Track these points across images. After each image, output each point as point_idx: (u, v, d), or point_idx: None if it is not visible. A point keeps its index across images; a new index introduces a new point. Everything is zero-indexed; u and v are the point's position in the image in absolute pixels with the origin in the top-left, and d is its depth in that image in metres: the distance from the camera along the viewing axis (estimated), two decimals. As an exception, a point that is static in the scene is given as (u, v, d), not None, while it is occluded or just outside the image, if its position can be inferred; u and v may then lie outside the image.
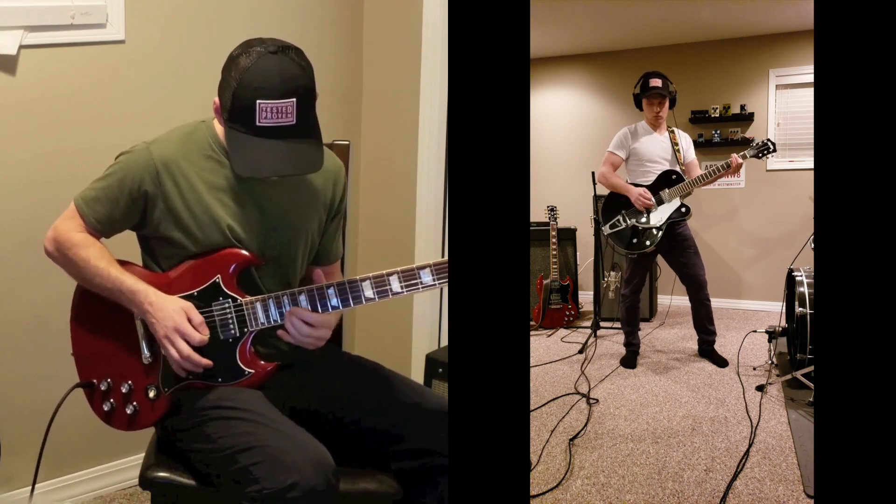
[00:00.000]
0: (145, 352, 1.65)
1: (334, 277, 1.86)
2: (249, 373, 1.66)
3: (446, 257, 1.63)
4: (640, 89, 3.72)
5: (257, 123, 1.51)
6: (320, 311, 1.65)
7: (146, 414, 1.68)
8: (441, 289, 2.98)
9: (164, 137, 1.69)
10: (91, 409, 1.71)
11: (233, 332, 1.66)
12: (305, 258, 1.80)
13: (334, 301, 1.65)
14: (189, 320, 1.60)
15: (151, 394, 1.66)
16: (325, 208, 1.80)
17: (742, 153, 3.49)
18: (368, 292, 1.64)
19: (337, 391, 1.75)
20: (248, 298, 1.66)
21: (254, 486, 1.45)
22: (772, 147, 3.47)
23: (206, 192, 1.65)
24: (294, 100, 1.51)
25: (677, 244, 3.70)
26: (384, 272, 1.64)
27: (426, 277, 1.63)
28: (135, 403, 1.67)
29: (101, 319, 1.70)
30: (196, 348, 1.60)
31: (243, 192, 1.68)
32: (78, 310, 1.72)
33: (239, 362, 1.66)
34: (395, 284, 1.64)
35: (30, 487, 2.35)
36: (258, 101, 1.50)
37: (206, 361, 1.61)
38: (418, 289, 1.64)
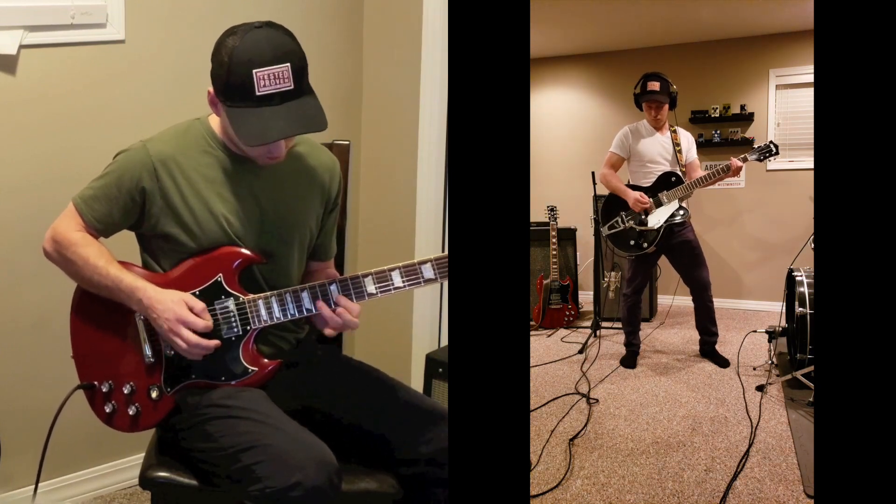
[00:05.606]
0: (147, 351, 1.65)
1: (327, 275, 1.86)
2: (253, 370, 1.66)
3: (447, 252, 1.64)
4: (639, 90, 3.72)
5: (257, 93, 1.52)
6: None
7: (148, 415, 1.67)
8: (441, 289, 3.02)
9: (160, 135, 1.70)
10: (91, 410, 1.71)
11: (235, 330, 1.66)
12: (304, 253, 1.80)
13: (337, 297, 1.65)
14: (190, 309, 1.60)
15: (154, 394, 1.66)
16: (322, 202, 1.81)
17: (742, 156, 3.48)
18: (370, 287, 1.65)
19: (338, 393, 1.76)
20: (251, 296, 1.66)
21: (256, 484, 1.46)
22: (774, 150, 3.44)
23: (204, 186, 1.66)
24: (288, 65, 1.53)
25: (681, 246, 3.69)
26: (386, 267, 1.65)
27: (427, 272, 1.64)
28: (137, 404, 1.67)
29: (101, 320, 1.70)
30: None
31: (241, 187, 1.68)
32: (78, 310, 1.72)
33: (242, 360, 1.66)
34: (397, 279, 1.64)
35: (29, 487, 2.36)
36: (254, 71, 1.51)
37: (214, 343, 1.61)
38: (420, 283, 1.64)
